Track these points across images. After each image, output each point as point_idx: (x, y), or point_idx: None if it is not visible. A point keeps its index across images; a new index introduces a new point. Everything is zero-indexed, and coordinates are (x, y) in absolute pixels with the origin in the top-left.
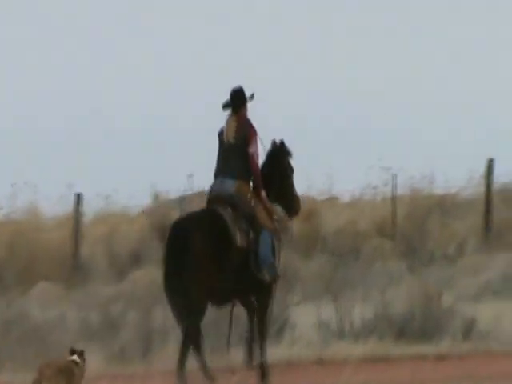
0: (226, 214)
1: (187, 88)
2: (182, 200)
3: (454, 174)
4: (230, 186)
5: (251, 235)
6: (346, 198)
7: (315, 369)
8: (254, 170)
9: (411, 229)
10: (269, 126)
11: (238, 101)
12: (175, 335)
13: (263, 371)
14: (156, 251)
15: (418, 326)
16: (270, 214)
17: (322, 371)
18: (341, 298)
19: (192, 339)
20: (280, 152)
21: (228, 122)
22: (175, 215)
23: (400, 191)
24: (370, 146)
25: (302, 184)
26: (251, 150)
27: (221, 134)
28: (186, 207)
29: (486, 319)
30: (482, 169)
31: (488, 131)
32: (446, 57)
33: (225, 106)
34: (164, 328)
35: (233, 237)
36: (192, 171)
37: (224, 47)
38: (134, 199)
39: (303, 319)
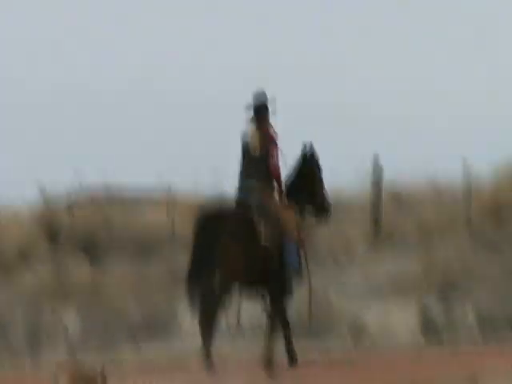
0: (252, 214)
1: None
2: (70, 203)
3: (342, 171)
4: (256, 196)
5: (277, 241)
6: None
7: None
8: (277, 181)
9: None
10: None
11: (261, 113)
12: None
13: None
14: (44, 251)
15: (306, 328)
16: (295, 223)
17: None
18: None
19: (206, 323)
20: (308, 158)
21: (252, 135)
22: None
23: None
24: None
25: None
26: (272, 162)
27: (245, 146)
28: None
29: (374, 321)
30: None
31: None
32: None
33: (248, 109)
34: (52, 326)
35: (258, 235)
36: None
37: None
38: (20, 195)
39: (191, 318)
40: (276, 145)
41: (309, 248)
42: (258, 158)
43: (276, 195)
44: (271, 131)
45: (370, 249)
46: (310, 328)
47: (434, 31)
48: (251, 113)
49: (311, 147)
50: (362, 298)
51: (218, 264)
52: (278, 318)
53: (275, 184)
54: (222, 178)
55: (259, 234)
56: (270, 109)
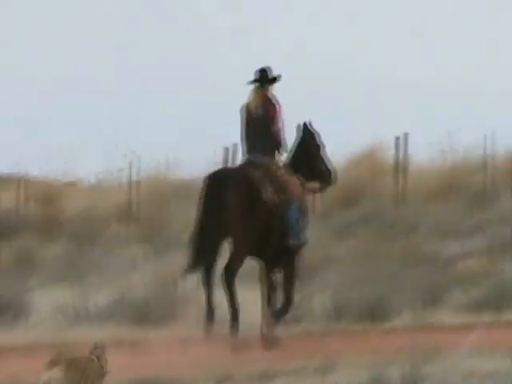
0: (256, 173)
1: None
2: None
3: (196, 159)
4: (260, 158)
5: (280, 198)
6: (87, 182)
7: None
8: (278, 144)
9: (152, 214)
10: None
11: (264, 79)
12: None
13: (267, 338)
14: None
15: (156, 312)
16: (295, 183)
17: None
18: (80, 282)
19: (227, 278)
20: (306, 133)
21: (253, 96)
22: None
23: (143, 176)
24: (109, 130)
25: (44, 168)
26: (275, 127)
27: (246, 108)
28: None
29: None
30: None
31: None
32: None
33: (251, 82)
34: None
35: (261, 193)
36: None
37: None
38: None
39: (42, 304)
40: (279, 109)
41: (309, 210)
42: (259, 119)
43: (278, 158)
44: (271, 96)
45: None
46: None
47: None
48: (254, 79)
49: (310, 125)
50: None
51: (225, 226)
52: (289, 286)
53: (277, 148)
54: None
55: (264, 194)
56: (271, 78)
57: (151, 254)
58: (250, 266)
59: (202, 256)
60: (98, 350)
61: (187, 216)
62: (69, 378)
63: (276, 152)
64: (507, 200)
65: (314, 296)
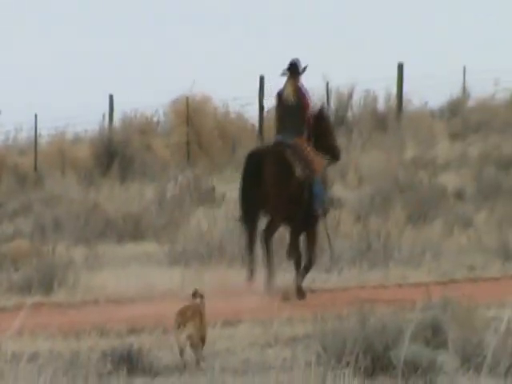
0: (288, 152)
1: None
2: None
3: None
4: (291, 139)
5: (307, 173)
6: None
7: None
8: (307, 128)
9: None
10: None
11: (294, 70)
12: None
13: (299, 290)
14: None
15: None
16: (318, 159)
17: None
18: None
19: (265, 240)
20: (320, 117)
21: (286, 86)
22: None
23: None
24: None
25: None
26: (305, 113)
27: (280, 95)
28: None
29: None
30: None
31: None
32: None
33: (283, 74)
34: None
35: (294, 169)
36: None
37: None
38: None
39: None
40: (305, 96)
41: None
42: (291, 105)
43: (306, 140)
44: (301, 85)
45: None
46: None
47: None
48: (286, 71)
49: (326, 108)
50: None
51: (263, 198)
52: (312, 252)
53: (305, 131)
54: None
55: (294, 169)
56: (301, 69)
57: None
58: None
59: (246, 223)
60: (198, 295)
61: None
62: (197, 326)
63: (304, 133)
64: (55, 181)
65: None
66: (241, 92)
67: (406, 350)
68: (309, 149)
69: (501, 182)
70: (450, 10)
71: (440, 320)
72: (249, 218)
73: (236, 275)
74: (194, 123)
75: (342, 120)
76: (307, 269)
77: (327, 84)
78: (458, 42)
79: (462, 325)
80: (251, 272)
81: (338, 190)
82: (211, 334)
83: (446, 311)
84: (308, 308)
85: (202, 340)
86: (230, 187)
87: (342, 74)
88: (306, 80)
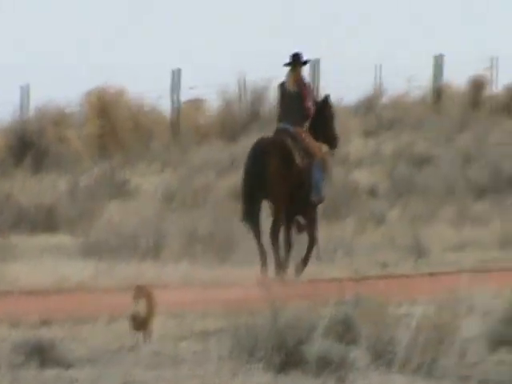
0: (289, 141)
1: None
2: None
3: None
4: (290, 127)
5: (306, 161)
6: None
7: None
8: (307, 118)
9: None
10: None
11: (296, 62)
12: None
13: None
14: None
15: None
16: (318, 147)
17: None
18: None
19: (273, 231)
20: (324, 105)
21: (288, 76)
22: None
23: None
24: None
25: None
26: (308, 103)
27: (282, 85)
28: None
29: None
30: None
31: None
32: None
33: (286, 65)
34: None
35: (295, 158)
36: None
37: None
38: None
39: None
40: (310, 87)
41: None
42: (293, 95)
43: (306, 128)
44: (303, 76)
45: None
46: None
47: None
48: (288, 62)
49: (329, 98)
50: None
51: (265, 186)
52: (312, 239)
53: (305, 120)
54: None
55: (296, 159)
56: (303, 61)
57: None
58: None
59: (248, 212)
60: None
61: None
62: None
63: (304, 123)
64: None
65: None
66: (154, 85)
67: (318, 345)
68: (309, 137)
69: (413, 179)
70: (362, 8)
71: (352, 316)
72: (252, 208)
73: (148, 268)
74: (108, 115)
75: (256, 114)
76: (308, 252)
77: (242, 78)
78: (371, 39)
79: (373, 321)
80: (265, 265)
81: None
82: (123, 327)
83: (358, 307)
84: (221, 302)
85: (145, 324)
86: (144, 180)
87: (258, 68)
88: (221, 72)
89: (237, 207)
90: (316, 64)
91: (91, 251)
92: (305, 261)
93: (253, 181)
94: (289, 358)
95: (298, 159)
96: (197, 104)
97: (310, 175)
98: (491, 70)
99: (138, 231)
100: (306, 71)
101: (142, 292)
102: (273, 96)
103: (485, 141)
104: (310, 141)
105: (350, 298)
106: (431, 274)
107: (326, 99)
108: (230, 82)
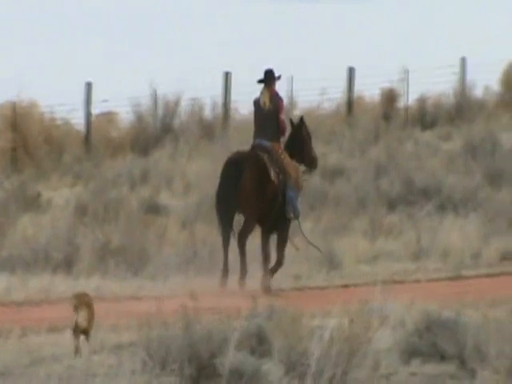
0: (265, 156)
1: None
2: None
3: None
4: (267, 142)
5: (281, 178)
6: None
7: None
8: (283, 132)
9: None
10: None
11: (270, 78)
12: None
13: (266, 289)
14: None
15: None
16: (294, 166)
17: None
18: None
19: (240, 242)
20: (301, 125)
21: (263, 93)
22: None
23: None
24: None
25: None
26: (281, 117)
27: (257, 102)
28: None
29: None
30: None
31: None
32: None
33: (260, 81)
34: None
35: (270, 174)
36: None
37: None
38: None
39: None
40: (282, 102)
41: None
42: (268, 111)
43: (281, 145)
44: (276, 92)
45: None
46: None
47: None
48: (262, 79)
49: (303, 119)
50: None
51: (239, 199)
52: (281, 252)
53: (281, 135)
54: None
55: (271, 174)
56: (277, 79)
57: None
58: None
59: (221, 224)
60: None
61: None
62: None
63: (280, 138)
64: None
65: None
66: (66, 98)
67: (231, 358)
68: (285, 154)
69: (326, 191)
70: (275, 23)
71: (265, 328)
72: (225, 220)
73: (61, 282)
74: (20, 129)
75: (168, 128)
76: (275, 269)
77: (154, 91)
78: (284, 51)
79: (286, 333)
80: (225, 275)
81: (164, 198)
82: (36, 340)
83: (271, 320)
84: (133, 315)
85: (86, 331)
86: (56, 193)
87: (169, 81)
88: (132, 85)
89: (148, 220)
90: (226, 76)
91: (3, 265)
92: (271, 273)
93: (226, 193)
94: (202, 370)
95: (273, 175)
96: (109, 117)
97: (284, 192)
98: (403, 83)
99: (51, 245)
100: (282, 87)
101: (82, 301)
102: (184, 110)
103: (397, 153)
104: (285, 157)
105: (263, 310)
106: (344, 286)
107: (302, 119)
108: (142, 96)
